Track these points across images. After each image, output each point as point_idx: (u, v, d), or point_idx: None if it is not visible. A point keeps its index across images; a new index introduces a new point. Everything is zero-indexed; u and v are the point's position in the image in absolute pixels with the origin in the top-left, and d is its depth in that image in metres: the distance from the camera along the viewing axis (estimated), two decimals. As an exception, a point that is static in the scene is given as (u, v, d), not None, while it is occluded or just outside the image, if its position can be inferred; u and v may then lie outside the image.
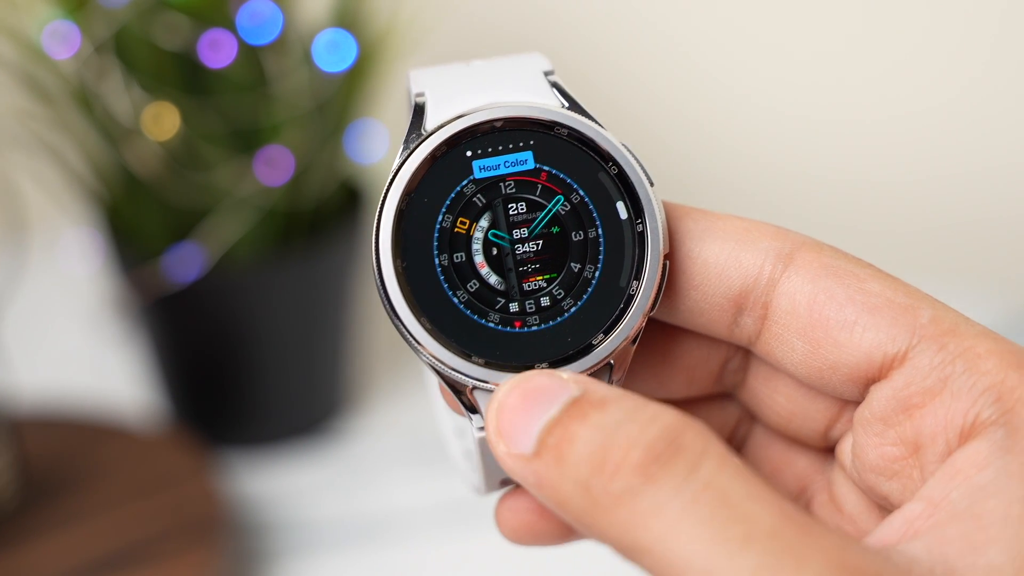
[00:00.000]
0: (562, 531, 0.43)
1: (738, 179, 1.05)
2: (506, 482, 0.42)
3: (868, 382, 0.38)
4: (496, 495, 0.44)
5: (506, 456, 0.35)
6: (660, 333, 0.42)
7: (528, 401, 0.35)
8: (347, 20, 0.81)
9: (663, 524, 0.32)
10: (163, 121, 0.79)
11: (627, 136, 0.42)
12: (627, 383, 0.41)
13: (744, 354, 0.43)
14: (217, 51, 0.78)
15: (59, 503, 0.79)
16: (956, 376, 0.36)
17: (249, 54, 0.79)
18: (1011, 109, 0.98)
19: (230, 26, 0.78)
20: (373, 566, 0.81)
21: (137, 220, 0.83)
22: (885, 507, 0.39)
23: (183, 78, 0.80)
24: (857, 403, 0.39)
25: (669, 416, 0.34)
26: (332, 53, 0.80)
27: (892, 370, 0.37)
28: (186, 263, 0.81)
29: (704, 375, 0.43)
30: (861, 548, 0.33)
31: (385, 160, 0.89)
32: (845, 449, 0.41)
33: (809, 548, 0.32)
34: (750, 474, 0.33)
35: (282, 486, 0.87)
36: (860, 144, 1.02)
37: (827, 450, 0.43)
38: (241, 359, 0.87)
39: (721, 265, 0.39)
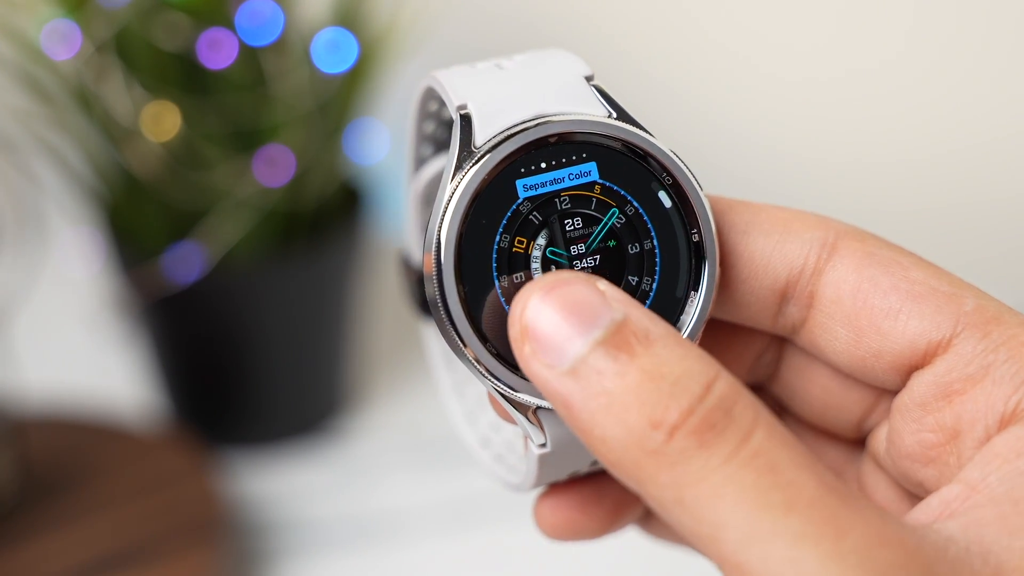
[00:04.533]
0: (602, 525, 0.43)
1: (754, 172, 1.05)
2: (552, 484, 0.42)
3: (910, 370, 0.38)
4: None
5: (531, 359, 0.35)
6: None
7: (566, 311, 0.35)
8: (347, 20, 0.81)
9: (710, 486, 0.33)
10: (163, 121, 0.79)
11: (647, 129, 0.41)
12: None
13: (778, 346, 0.43)
14: (217, 51, 0.78)
15: (59, 502, 0.79)
16: (999, 364, 0.36)
17: (249, 54, 0.79)
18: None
19: (230, 26, 0.78)
20: (373, 566, 0.81)
21: (137, 220, 0.83)
22: (919, 495, 0.40)
23: (183, 78, 0.80)
24: (895, 392, 0.39)
25: (723, 385, 0.34)
26: (332, 53, 0.80)
27: (935, 357, 0.37)
28: (186, 263, 0.81)
29: (737, 368, 0.43)
30: (900, 523, 0.33)
31: (385, 160, 0.89)
32: (879, 438, 0.41)
33: (850, 519, 0.32)
34: (797, 444, 0.33)
35: (282, 486, 0.87)
36: (871, 136, 1.02)
37: (857, 441, 0.43)
38: (241, 359, 0.87)
39: (767, 258, 0.39)
